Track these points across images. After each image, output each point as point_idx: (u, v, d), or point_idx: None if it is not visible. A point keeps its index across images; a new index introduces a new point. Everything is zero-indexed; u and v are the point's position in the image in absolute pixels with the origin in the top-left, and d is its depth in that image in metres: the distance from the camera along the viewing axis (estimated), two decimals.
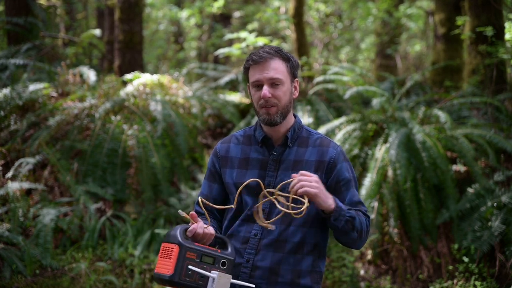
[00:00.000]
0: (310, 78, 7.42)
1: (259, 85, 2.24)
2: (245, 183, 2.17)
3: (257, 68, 2.24)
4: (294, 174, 2.09)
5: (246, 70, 2.29)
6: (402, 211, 5.19)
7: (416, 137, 5.33)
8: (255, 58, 2.23)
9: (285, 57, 2.27)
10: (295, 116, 2.35)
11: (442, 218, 5.14)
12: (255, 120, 6.22)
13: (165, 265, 2.06)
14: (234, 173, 2.31)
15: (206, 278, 2.06)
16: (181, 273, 2.04)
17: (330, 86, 6.47)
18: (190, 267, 2.05)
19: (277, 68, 2.23)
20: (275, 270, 2.21)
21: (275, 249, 2.22)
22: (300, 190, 2.05)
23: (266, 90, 2.21)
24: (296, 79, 2.31)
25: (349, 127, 5.66)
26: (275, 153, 2.29)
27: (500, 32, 6.31)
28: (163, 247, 2.09)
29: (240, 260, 2.24)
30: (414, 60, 13.01)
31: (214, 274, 2.05)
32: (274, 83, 2.22)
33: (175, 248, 2.05)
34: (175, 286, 2.05)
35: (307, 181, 2.05)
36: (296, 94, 2.31)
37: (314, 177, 2.07)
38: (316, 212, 2.25)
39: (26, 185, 5.32)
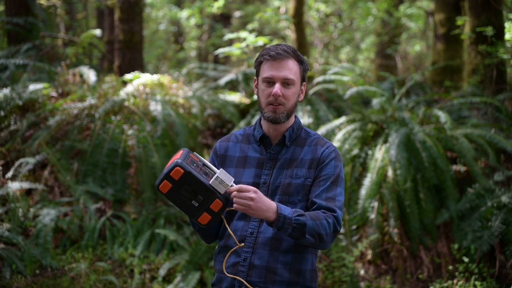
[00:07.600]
0: (310, 78, 7.42)
1: (271, 82, 2.25)
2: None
3: (272, 65, 2.25)
4: (231, 187, 2.09)
5: (259, 64, 2.29)
6: (402, 211, 5.19)
7: (416, 137, 5.33)
8: (273, 54, 2.24)
9: (299, 59, 2.29)
10: (295, 116, 2.37)
11: (442, 218, 5.14)
12: (255, 120, 6.22)
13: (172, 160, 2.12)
14: (232, 172, 2.32)
15: (209, 173, 2.14)
16: (186, 160, 2.09)
17: (330, 86, 6.47)
18: (195, 153, 2.18)
19: (292, 69, 2.25)
20: (273, 269, 2.21)
21: (271, 248, 2.22)
22: (234, 206, 2.09)
23: (278, 88, 2.23)
24: (304, 82, 2.33)
25: (349, 127, 5.66)
26: (272, 152, 2.31)
27: (500, 32, 6.31)
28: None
29: (237, 259, 2.24)
30: (414, 60, 13.01)
31: (217, 170, 2.12)
32: (286, 83, 2.24)
33: (181, 151, 2.16)
34: (182, 168, 2.05)
35: (240, 197, 2.06)
36: (302, 97, 2.34)
37: (249, 194, 2.06)
38: None
39: (26, 185, 5.32)
